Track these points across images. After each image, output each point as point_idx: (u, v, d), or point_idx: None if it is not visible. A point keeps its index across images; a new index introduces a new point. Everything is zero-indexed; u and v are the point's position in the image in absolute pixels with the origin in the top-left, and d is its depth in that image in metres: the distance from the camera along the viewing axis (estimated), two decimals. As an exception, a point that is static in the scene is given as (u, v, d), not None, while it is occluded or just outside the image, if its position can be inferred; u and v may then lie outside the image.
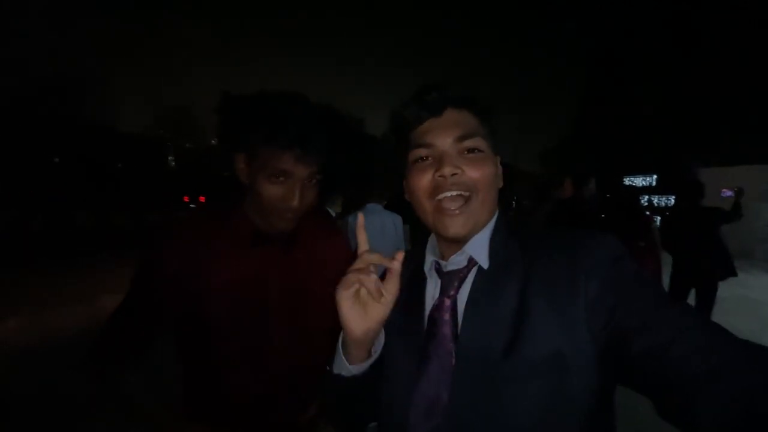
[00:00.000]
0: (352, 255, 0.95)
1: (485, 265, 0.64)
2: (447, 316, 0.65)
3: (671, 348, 0.46)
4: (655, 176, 13.16)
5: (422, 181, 0.65)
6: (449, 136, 0.64)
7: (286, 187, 0.85)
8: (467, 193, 0.63)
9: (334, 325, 0.93)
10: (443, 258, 0.69)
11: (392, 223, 2.95)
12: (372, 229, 2.97)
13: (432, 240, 0.73)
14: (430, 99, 0.66)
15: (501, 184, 0.70)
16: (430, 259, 0.72)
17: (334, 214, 3.23)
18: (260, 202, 0.88)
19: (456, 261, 0.67)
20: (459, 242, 0.66)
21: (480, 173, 0.63)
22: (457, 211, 0.63)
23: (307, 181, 0.87)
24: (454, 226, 0.63)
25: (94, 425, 2.50)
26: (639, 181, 12.56)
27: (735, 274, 3.41)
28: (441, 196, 0.63)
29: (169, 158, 39.54)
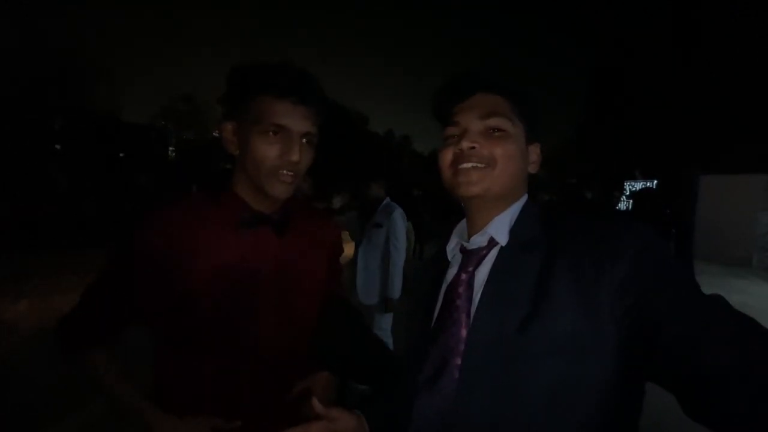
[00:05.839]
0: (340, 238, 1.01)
1: (504, 242, 0.66)
2: (462, 290, 0.67)
3: (701, 339, 0.44)
4: (655, 181, 13.12)
5: (446, 155, 0.70)
6: (473, 115, 0.68)
7: (283, 143, 0.80)
8: (482, 165, 0.67)
9: (317, 308, 0.97)
10: (467, 240, 0.73)
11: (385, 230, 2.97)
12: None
13: (461, 225, 0.77)
14: (460, 83, 0.71)
15: (532, 170, 0.72)
16: (454, 241, 0.75)
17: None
18: (255, 167, 0.81)
19: (477, 241, 0.70)
20: (480, 209, 0.70)
21: (498, 150, 0.66)
22: (473, 174, 0.66)
23: (304, 139, 0.83)
24: (468, 183, 0.66)
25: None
26: (639, 186, 12.56)
27: None
28: (460, 166, 0.67)
29: (170, 149, 39.32)
